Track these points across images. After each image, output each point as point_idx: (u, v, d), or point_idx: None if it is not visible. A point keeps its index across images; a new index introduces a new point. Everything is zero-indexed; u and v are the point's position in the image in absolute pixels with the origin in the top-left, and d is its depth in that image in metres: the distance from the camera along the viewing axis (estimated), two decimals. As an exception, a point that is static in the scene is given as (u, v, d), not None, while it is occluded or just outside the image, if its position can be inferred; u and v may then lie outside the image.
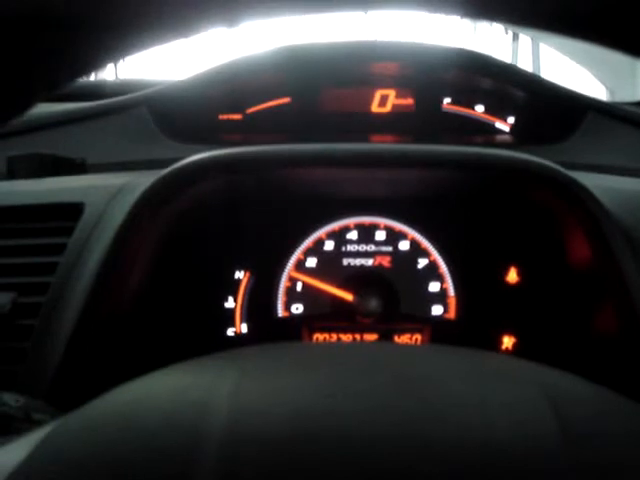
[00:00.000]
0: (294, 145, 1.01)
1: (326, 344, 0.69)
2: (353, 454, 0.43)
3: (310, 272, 1.11)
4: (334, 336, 1.10)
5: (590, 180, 1.01)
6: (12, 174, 1.12)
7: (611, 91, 1.57)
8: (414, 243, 1.11)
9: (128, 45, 0.42)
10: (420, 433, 0.44)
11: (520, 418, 0.47)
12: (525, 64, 2.04)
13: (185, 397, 0.49)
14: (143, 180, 0.96)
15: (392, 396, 0.48)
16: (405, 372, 0.53)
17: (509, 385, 0.52)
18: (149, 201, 0.93)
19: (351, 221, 1.12)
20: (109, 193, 0.99)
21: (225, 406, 0.47)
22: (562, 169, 0.94)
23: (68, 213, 0.96)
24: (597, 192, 0.94)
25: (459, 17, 0.44)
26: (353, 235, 1.12)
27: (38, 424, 0.63)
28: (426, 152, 0.99)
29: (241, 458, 0.42)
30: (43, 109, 1.28)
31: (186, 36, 0.42)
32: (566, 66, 1.76)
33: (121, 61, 2.39)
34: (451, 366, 0.56)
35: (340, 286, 1.10)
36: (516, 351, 1.09)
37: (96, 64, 0.44)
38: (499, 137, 1.33)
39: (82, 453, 0.45)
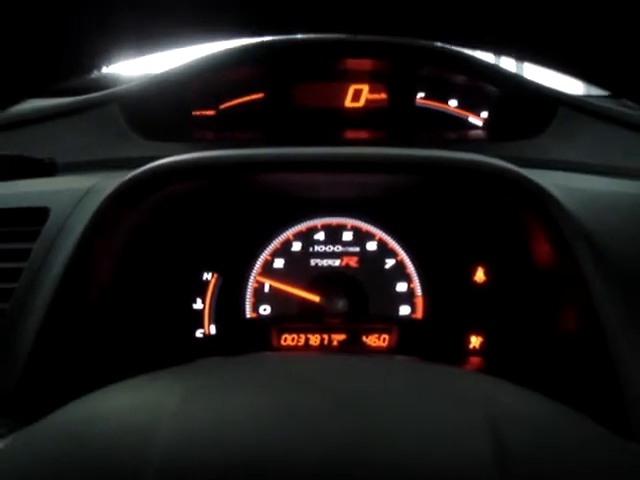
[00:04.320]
0: (264, 150, 1.00)
1: (274, 357, 0.69)
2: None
3: (277, 273, 1.11)
4: (302, 337, 1.10)
5: (557, 179, 1.01)
6: (-21, 176, 1.11)
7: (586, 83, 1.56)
8: (381, 243, 1.12)
9: (125, 52, 0.43)
10: (359, 458, 0.45)
11: (458, 438, 0.47)
12: (507, 58, 2.02)
13: (131, 419, 0.50)
14: (110, 183, 0.96)
15: (332, 418, 0.49)
16: (352, 394, 0.53)
17: (450, 402, 0.52)
18: (112, 206, 0.93)
19: (318, 222, 1.12)
20: (75, 197, 0.98)
21: (167, 431, 0.47)
22: (523, 172, 0.94)
23: (33, 218, 0.95)
24: (562, 193, 0.94)
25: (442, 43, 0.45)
26: (320, 236, 1.12)
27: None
28: (391, 157, 0.98)
29: None
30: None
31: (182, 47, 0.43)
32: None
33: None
34: (395, 382, 0.56)
35: (307, 287, 1.11)
36: (483, 350, 1.10)
37: (93, 66, 0.45)
38: (472, 132, 1.32)
39: (25, 476, 0.45)
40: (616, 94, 0.46)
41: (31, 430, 0.51)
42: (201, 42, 0.44)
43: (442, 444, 0.46)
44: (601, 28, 0.39)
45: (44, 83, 0.45)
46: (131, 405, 0.53)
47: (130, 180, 0.94)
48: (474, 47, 0.45)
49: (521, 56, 0.45)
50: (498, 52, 0.48)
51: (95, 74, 1.70)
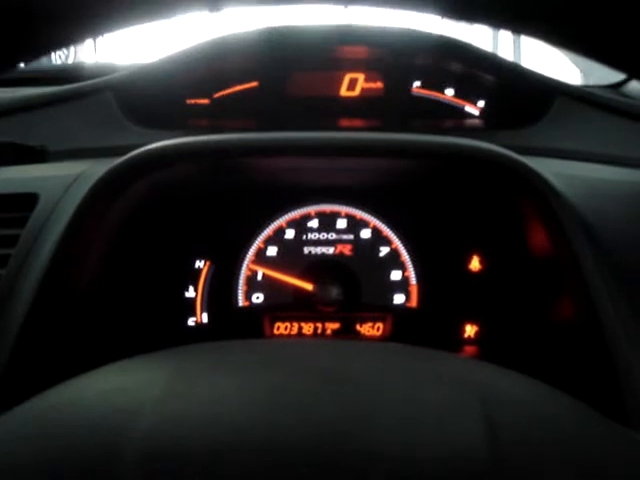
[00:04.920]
0: (255, 134, 0.99)
1: (264, 343, 0.68)
2: (274, 467, 0.42)
3: (271, 261, 1.10)
4: (295, 325, 1.09)
5: (554, 167, 1.00)
6: (-29, 163, 1.10)
7: (585, 73, 1.55)
8: (375, 231, 1.11)
9: (110, 23, 0.42)
10: (348, 442, 0.44)
11: (450, 422, 0.47)
12: (506, 47, 2.02)
13: (113, 403, 0.49)
14: (99, 169, 0.95)
15: (323, 404, 0.48)
16: (342, 377, 0.52)
17: (444, 387, 0.52)
18: (101, 192, 0.92)
19: (312, 209, 1.11)
20: (64, 183, 0.97)
21: (150, 414, 0.46)
22: (522, 159, 0.93)
23: (22, 204, 0.94)
24: (559, 180, 0.93)
25: (439, 17, 0.44)
26: (314, 223, 1.11)
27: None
28: (385, 141, 0.98)
29: (158, 470, 0.42)
30: (5, 94, 1.26)
31: (167, 18, 0.42)
32: (544, 48, 1.74)
33: (105, 41, 2.36)
34: (390, 367, 0.56)
35: (301, 275, 1.10)
36: (478, 339, 1.09)
37: (72, 40, 0.43)
38: (468, 121, 1.31)
39: (5, 458, 0.45)
40: (630, 74, 0.45)
41: (14, 413, 0.51)
42: (191, 10, 0.42)
43: (434, 429, 0.46)
44: (616, 5, 0.38)
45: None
46: (115, 388, 0.52)
47: (118, 166, 0.93)
48: (470, 19, 0.44)
49: (529, 31, 0.44)
50: (497, 24, 0.47)
51: (89, 63, 1.70)
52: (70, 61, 1.87)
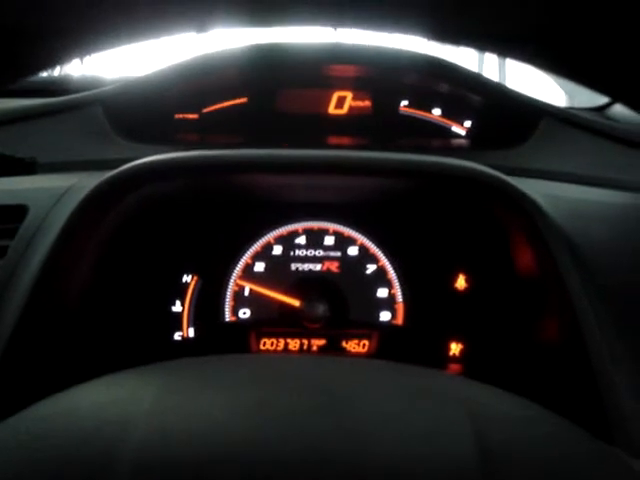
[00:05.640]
0: (246, 151, 0.99)
1: (253, 358, 0.68)
2: (264, 477, 0.42)
3: (258, 277, 1.11)
4: (281, 341, 1.09)
5: (540, 188, 1.01)
6: (-42, 174, 1.09)
7: (570, 95, 1.57)
8: (363, 248, 1.11)
9: (99, 43, 0.42)
10: (337, 457, 0.44)
11: (440, 438, 0.47)
12: (491, 68, 2.04)
13: (104, 415, 0.49)
14: (90, 182, 0.95)
15: (311, 418, 0.48)
16: (330, 392, 0.52)
17: (432, 403, 0.52)
18: (92, 204, 0.92)
19: (300, 226, 1.12)
20: (54, 195, 0.97)
21: (141, 427, 0.46)
22: (509, 180, 0.94)
23: (11, 215, 0.94)
24: (545, 201, 0.94)
25: (426, 39, 0.44)
26: (302, 240, 1.12)
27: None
28: (376, 160, 0.98)
29: None
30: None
31: (155, 38, 0.42)
32: (529, 70, 1.76)
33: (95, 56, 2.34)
34: (378, 384, 0.56)
35: (288, 291, 1.10)
36: (463, 357, 1.10)
37: (63, 59, 0.44)
38: (455, 141, 1.33)
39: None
40: (614, 98, 0.46)
41: (8, 424, 0.51)
42: (178, 32, 0.43)
43: (423, 445, 0.46)
44: (601, 30, 0.39)
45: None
46: (107, 401, 0.52)
47: (110, 179, 0.93)
48: (455, 42, 0.45)
49: (514, 54, 0.45)
50: (482, 47, 0.47)
51: (77, 75, 1.70)
52: (57, 73, 1.86)
